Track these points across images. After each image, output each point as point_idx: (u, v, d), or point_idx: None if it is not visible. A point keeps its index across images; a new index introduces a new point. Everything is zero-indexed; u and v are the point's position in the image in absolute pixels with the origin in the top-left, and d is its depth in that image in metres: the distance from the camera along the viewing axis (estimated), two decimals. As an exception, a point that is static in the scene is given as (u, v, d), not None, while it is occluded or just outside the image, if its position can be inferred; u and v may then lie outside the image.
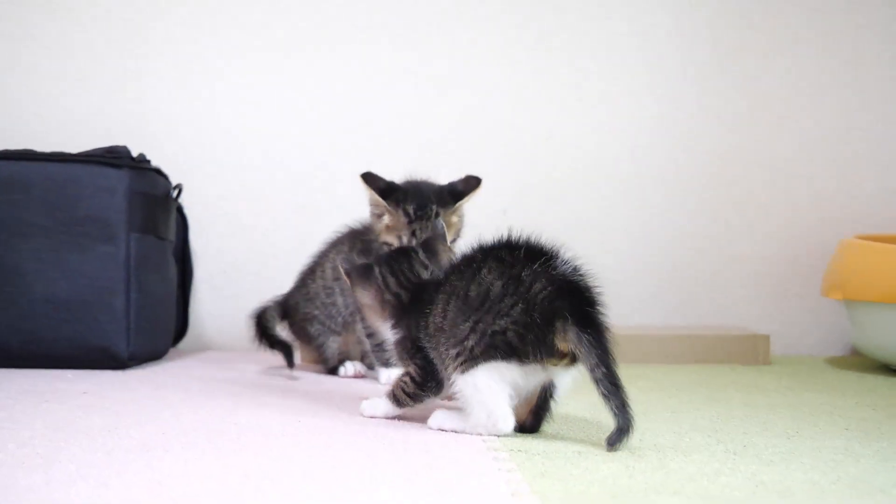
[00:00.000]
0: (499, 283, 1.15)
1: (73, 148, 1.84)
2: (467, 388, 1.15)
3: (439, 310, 1.20)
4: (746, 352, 2.00)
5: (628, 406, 1.11)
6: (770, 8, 2.25)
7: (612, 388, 1.11)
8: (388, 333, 1.29)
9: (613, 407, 1.11)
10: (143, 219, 1.81)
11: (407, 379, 1.25)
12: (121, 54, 2.18)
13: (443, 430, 1.21)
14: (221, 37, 2.21)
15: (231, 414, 1.30)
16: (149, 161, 1.85)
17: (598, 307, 1.15)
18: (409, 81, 2.22)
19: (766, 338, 2.00)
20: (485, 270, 1.17)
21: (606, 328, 1.14)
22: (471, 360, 1.14)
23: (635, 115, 2.25)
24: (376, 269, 1.28)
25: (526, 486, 0.92)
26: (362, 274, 1.29)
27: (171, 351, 1.99)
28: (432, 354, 1.21)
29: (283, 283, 1.89)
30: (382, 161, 2.19)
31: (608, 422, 1.13)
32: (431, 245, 1.34)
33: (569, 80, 2.24)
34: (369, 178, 1.62)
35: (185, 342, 2.09)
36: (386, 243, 1.61)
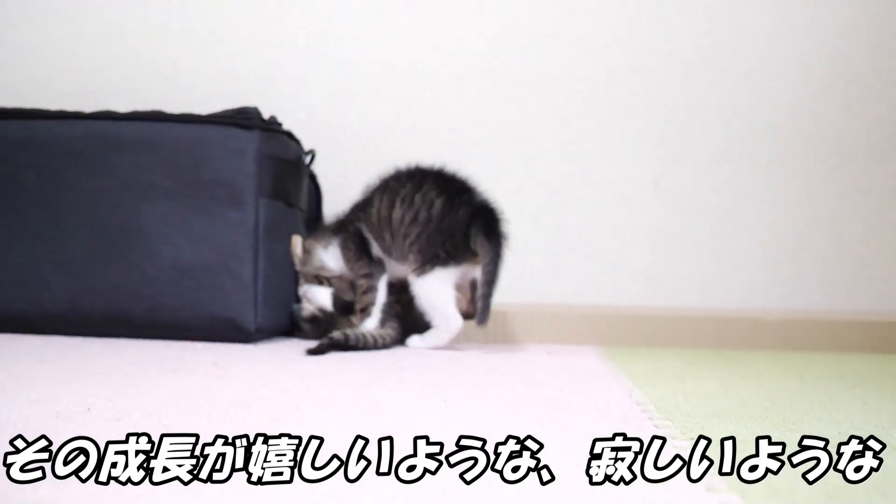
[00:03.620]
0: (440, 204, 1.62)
1: (202, 111, 1.77)
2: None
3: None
4: (928, 341, 1.79)
5: (489, 300, 1.56)
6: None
7: (486, 283, 1.57)
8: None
9: (480, 296, 1.57)
10: (273, 184, 1.72)
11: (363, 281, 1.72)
12: (252, 13, 2.10)
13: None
14: (356, -4, 2.11)
15: (368, 388, 1.19)
16: (280, 124, 1.76)
17: (499, 224, 1.61)
18: (555, 37, 2.07)
19: (953, 325, 1.79)
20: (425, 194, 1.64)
21: (504, 238, 1.60)
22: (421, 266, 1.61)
23: (801, 77, 2.05)
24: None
25: (720, 480, 0.77)
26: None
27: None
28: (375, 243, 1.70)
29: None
30: (522, 124, 2.07)
31: (791, 409, 1.00)
32: None
33: (728, 42, 2.06)
34: None
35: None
36: None
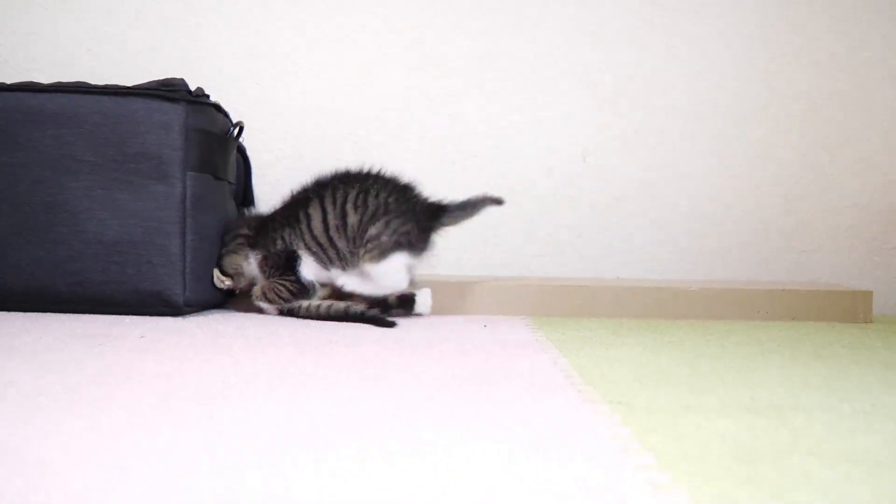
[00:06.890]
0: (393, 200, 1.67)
1: (127, 84, 1.74)
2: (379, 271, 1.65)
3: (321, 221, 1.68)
4: (845, 309, 1.85)
5: None
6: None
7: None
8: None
9: None
10: (201, 157, 1.70)
11: (282, 289, 1.70)
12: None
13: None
14: (283, -31, 2.09)
15: (294, 363, 1.19)
16: (207, 95, 1.74)
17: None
18: (483, 18, 2.08)
19: (869, 294, 1.85)
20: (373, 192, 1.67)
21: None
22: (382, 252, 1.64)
23: (721, 54, 2.09)
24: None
25: (637, 443, 0.80)
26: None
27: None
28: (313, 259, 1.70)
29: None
30: (451, 100, 2.08)
31: (710, 375, 1.10)
32: None
33: (653, 20, 2.09)
34: None
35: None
36: None
